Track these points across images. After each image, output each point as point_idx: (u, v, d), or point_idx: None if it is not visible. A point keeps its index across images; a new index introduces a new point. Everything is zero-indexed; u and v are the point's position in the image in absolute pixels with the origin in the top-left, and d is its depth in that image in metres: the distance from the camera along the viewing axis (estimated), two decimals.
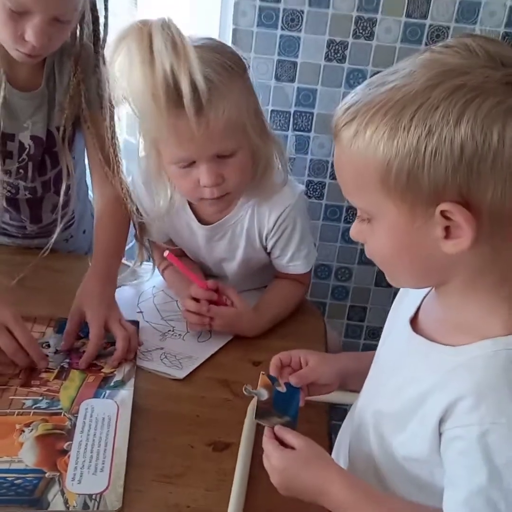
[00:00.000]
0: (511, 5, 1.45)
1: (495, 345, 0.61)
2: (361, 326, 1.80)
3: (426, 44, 1.48)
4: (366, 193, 0.62)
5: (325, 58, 1.51)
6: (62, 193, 1.13)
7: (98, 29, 1.06)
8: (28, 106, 1.08)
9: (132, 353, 0.97)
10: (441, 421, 0.62)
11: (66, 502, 0.73)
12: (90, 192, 1.33)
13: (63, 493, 0.74)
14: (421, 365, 0.67)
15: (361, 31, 1.48)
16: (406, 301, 0.76)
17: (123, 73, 0.92)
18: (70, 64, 1.07)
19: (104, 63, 1.08)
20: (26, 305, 1.02)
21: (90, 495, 0.74)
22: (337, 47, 1.50)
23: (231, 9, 1.45)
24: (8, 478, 0.75)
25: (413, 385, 0.67)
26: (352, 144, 0.60)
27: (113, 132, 1.11)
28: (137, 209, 1.11)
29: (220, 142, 0.95)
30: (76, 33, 1.05)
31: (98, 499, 0.73)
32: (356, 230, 0.67)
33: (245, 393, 0.78)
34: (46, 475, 0.76)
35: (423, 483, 0.68)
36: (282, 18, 1.47)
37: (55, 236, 1.14)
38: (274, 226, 1.07)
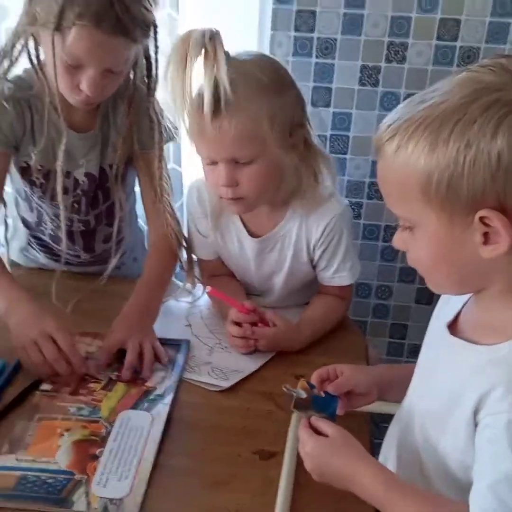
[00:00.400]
0: None
1: None
2: (402, 343, 1.81)
3: (457, 66, 1.51)
4: (408, 203, 0.66)
5: (359, 83, 1.56)
6: (115, 226, 1.21)
7: (151, 73, 1.13)
8: (83, 146, 1.16)
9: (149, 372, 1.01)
10: (475, 413, 0.66)
11: (88, 503, 0.78)
12: (139, 221, 1.41)
13: (87, 495, 0.79)
14: (458, 364, 0.71)
15: (393, 55, 1.53)
16: (446, 308, 0.80)
17: (166, 75, 0.99)
18: (124, 106, 1.14)
19: (156, 104, 1.16)
20: (80, 327, 1.09)
21: (111, 500, 0.78)
22: (370, 72, 1.55)
23: (268, 39, 1.52)
24: (41, 477, 0.81)
25: (451, 384, 0.70)
26: (395, 158, 0.65)
27: (161, 173, 1.18)
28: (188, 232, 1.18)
29: (231, 148, 1.00)
30: (129, 76, 1.12)
31: (118, 504, 0.78)
32: (398, 238, 0.72)
33: (284, 390, 0.82)
34: (75, 477, 0.81)
35: (465, 486, 0.69)
36: (316, 46, 1.53)
37: (111, 266, 1.21)
38: (321, 236, 1.11)
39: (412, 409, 0.80)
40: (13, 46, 1.05)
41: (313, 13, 1.50)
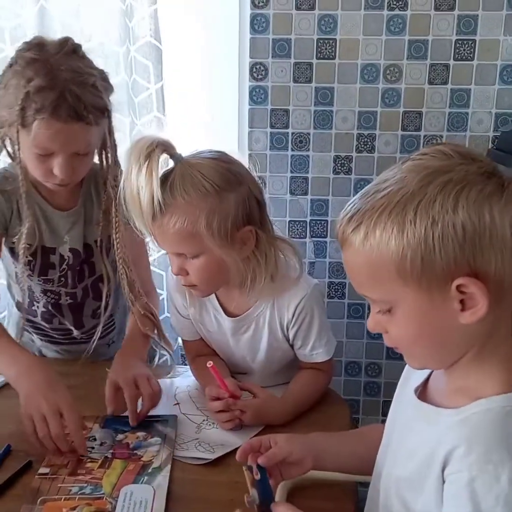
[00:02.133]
0: (495, 112, 1.62)
1: (488, 403, 0.68)
2: None
3: None
4: (383, 285, 0.69)
5: (333, 172, 1.69)
6: (104, 296, 1.29)
7: (116, 155, 1.24)
8: (66, 223, 1.27)
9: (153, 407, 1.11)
10: (443, 470, 0.68)
11: None
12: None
13: None
14: (427, 428, 0.73)
15: (362, 146, 1.66)
16: (413, 375, 0.83)
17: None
18: (102, 185, 1.26)
19: None
20: None
21: None
22: (343, 161, 1.68)
23: (246, 137, 1.66)
24: None
25: (422, 448, 0.72)
26: (364, 245, 0.68)
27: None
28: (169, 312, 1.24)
29: (173, 245, 1.08)
30: (102, 158, 1.24)
31: None
32: (374, 322, 0.74)
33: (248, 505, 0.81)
34: None
35: None
36: (292, 140, 1.66)
37: (95, 338, 1.29)
38: (293, 316, 1.16)
39: (387, 475, 0.81)
40: None
41: (287, 111, 1.64)
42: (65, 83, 1.07)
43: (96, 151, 1.21)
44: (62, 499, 0.93)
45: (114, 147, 1.23)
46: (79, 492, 0.94)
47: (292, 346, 1.21)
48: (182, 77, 1.65)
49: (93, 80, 1.11)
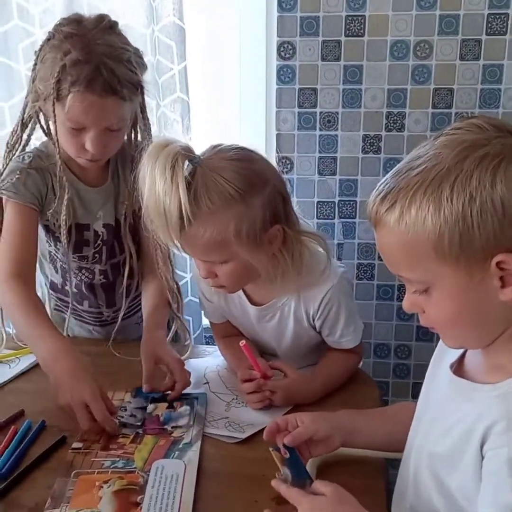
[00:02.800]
0: None
1: None
2: None
3: None
4: (420, 265, 0.68)
5: (362, 151, 1.67)
6: (126, 272, 1.31)
7: (150, 134, 1.25)
8: (99, 199, 1.29)
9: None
10: (481, 446, 0.68)
11: None
12: None
13: None
14: (464, 404, 0.73)
15: (392, 124, 1.64)
16: (449, 354, 0.82)
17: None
18: (129, 163, 1.27)
19: None
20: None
21: None
22: (372, 140, 1.65)
23: (273, 117, 1.65)
24: None
25: (459, 424, 0.72)
26: (399, 224, 0.67)
27: None
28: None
29: (202, 254, 1.07)
30: (131, 136, 1.25)
31: None
32: (410, 303, 0.73)
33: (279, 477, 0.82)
34: None
35: None
36: (320, 120, 1.65)
37: (122, 314, 1.32)
38: (319, 308, 1.15)
39: (418, 448, 0.81)
40: (27, 121, 1.21)
41: (315, 90, 1.62)
42: (101, 57, 1.08)
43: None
44: (96, 472, 0.94)
45: (147, 125, 1.24)
46: (111, 466, 0.96)
47: (319, 333, 1.21)
48: (209, 58, 1.64)
49: (128, 56, 1.12)
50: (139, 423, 1.06)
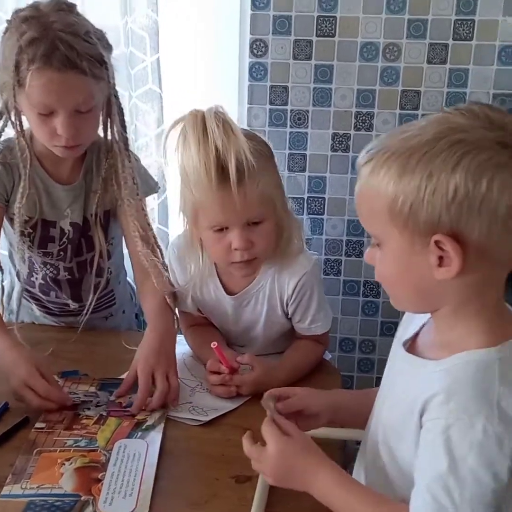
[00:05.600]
0: (493, 93, 1.63)
1: (470, 356, 0.72)
2: None
3: None
4: (376, 220, 0.73)
5: (331, 149, 1.70)
6: (94, 271, 1.30)
7: (125, 129, 1.25)
8: (67, 197, 1.27)
9: (166, 406, 1.07)
10: (421, 416, 0.72)
11: None
12: (128, 278, 1.49)
13: None
14: (411, 378, 0.77)
15: (361, 123, 1.68)
16: (405, 330, 0.86)
17: (177, 150, 1.08)
18: (103, 159, 1.26)
19: (132, 159, 1.27)
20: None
21: None
22: (340, 139, 1.69)
23: (245, 113, 1.68)
24: (49, 500, 0.86)
25: (405, 397, 0.76)
26: (368, 180, 0.72)
27: (144, 221, 1.27)
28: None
29: (254, 210, 1.09)
30: (107, 126, 1.23)
31: None
32: (369, 254, 0.78)
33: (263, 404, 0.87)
34: (82, 498, 0.87)
35: None
36: (290, 117, 1.68)
37: (87, 311, 1.31)
38: (293, 292, 1.18)
39: (376, 423, 0.85)
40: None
41: (286, 88, 1.66)
42: (57, 33, 1.06)
43: (101, 119, 1.20)
44: (58, 450, 0.96)
45: (120, 111, 1.23)
46: (74, 445, 0.97)
47: (290, 320, 1.23)
48: (182, 51, 1.66)
49: (86, 29, 1.09)
50: (106, 410, 1.07)
